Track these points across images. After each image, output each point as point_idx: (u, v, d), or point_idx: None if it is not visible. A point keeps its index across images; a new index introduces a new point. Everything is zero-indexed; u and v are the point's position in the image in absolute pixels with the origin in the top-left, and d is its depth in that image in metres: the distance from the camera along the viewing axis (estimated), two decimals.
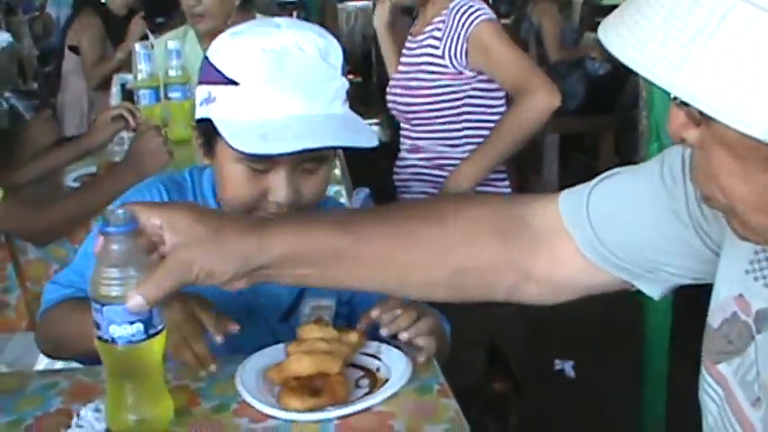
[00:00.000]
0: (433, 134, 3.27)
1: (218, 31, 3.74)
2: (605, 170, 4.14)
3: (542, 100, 2.97)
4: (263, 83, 1.60)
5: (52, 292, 1.79)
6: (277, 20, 1.70)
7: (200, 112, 1.69)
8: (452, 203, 1.41)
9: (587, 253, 1.30)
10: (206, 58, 1.69)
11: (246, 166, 1.66)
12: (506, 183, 3.32)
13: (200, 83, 1.70)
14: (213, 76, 1.65)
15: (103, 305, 1.23)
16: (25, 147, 3.25)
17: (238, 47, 1.64)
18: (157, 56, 3.93)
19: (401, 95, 3.32)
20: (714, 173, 0.96)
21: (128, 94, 4.39)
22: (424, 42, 3.25)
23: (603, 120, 6.28)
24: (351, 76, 10.29)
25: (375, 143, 1.65)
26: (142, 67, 3.41)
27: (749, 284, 1.12)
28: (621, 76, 6.30)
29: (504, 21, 7.79)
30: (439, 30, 3.19)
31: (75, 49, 6.12)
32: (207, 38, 3.96)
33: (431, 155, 3.29)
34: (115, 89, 5.60)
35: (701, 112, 0.88)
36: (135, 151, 2.75)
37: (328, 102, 1.64)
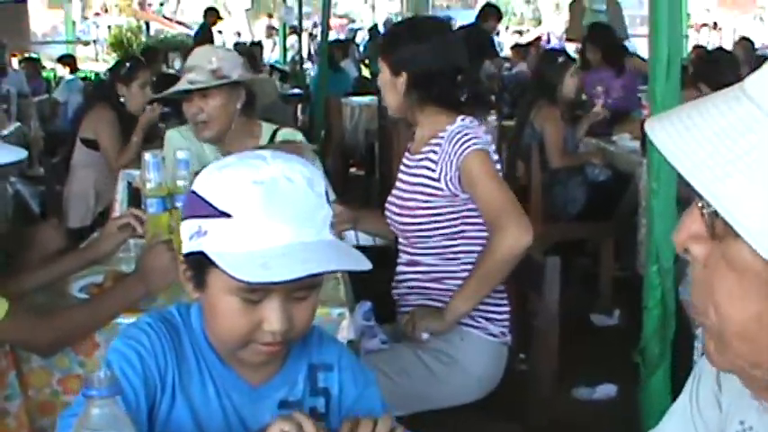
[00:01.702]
0: (430, 250, 3.34)
1: (224, 138, 3.86)
2: (606, 276, 4.22)
3: (511, 238, 3.07)
4: (256, 214, 1.62)
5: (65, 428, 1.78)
6: (261, 152, 1.74)
7: (190, 246, 1.70)
8: None
9: None
10: (193, 191, 1.71)
11: (240, 297, 1.68)
12: (505, 302, 3.37)
13: (188, 217, 1.72)
14: (203, 209, 1.67)
15: None
16: (32, 252, 3.27)
17: (228, 179, 1.66)
18: (168, 142, 4.02)
19: (398, 214, 3.39)
20: (713, 290, 1.00)
21: (133, 192, 4.43)
22: (421, 163, 3.33)
23: (603, 226, 6.32)
24: (354, 170, 10.43)
25: (369, 266, 1.68)
26: (151, 177, 3.44)
27: None
28: (622, 183, 6.36)
29: (507, 122, 7.88)
30: (435, 153, 3.27)
31: (87, 142, 6.18)
32: (214, 143, 4.05)
33: (428, 269, 3.35)
34: (121, 185, 5.67)
35: (723, 228, 0.92)
36: (144, 265, 2.78)
37: (319, 229, 1.67)
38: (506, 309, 3.39)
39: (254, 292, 1.66)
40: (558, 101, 6.46)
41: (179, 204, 3.48)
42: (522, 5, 46.54)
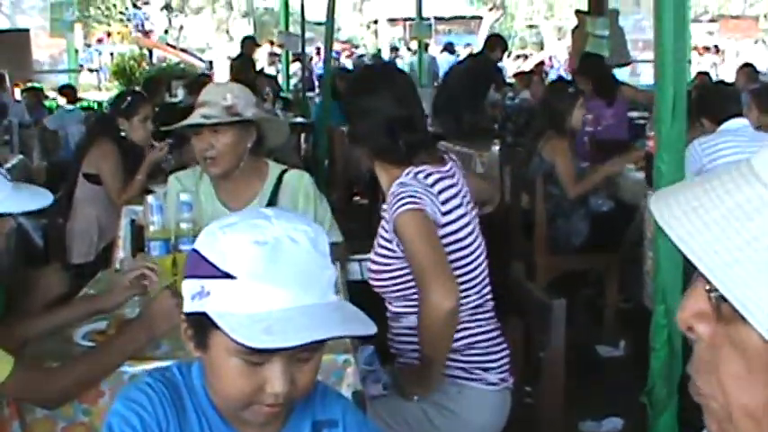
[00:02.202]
0: (407, 308, 3.30)
1: (231, 175, 3.84)
2: (611, 307, 4.22)
3: (433, 304, 3.01)
4: (260, 276, 1.61)
5: None
6: (265, 210, 1.73)
7: (192, 306, 1.69)
8: None
9: None
10: (195, 251, 1.70)
11: (242, 359, 1.66)
12: (502, 346, 3.35)
13: (190, 277, 1.71)
14: (206, 270, 1.66)
15: None
16: (35, 296, 3.26)
17: (231, 241, 1.65)
18: (170, 190, 4.00)
19: (371, 277, 3.37)
20: (718, 371, 0.98)
21: (139, 231, 4.42)
22: (381, 224, 3.30)
23: (608, 257, 6.31)
24: (357, 198, 10.42)
25: (374, 330, 1.67)
26: (154, 219, 3.45)
27: None
28: (626, 214, 6.34)
29: (517, 148, 7.88)
30: (387, 212, 3.23)
31: (90, 177, 6.17)
32: (220, 180, 4.02)
33: (410, 323, 3.29)
34: (124, 222, 5.67)
35: (731, 312, 0.91)
36: (148, 312, 2.76)
37: (323, 292, 1.66)
38: (504, 353, 3.34)
39: (257, 355, 1.65)
40: (566, 132, 6.45)
41: (183, 247, 3.47)
42: (524, 30, 46.68)
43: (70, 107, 12.70)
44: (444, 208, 3.21)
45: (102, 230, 6.15)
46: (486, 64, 9.96)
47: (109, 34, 36.67)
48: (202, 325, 1.68)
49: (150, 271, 3.06)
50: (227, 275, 1.62)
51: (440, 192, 3.22)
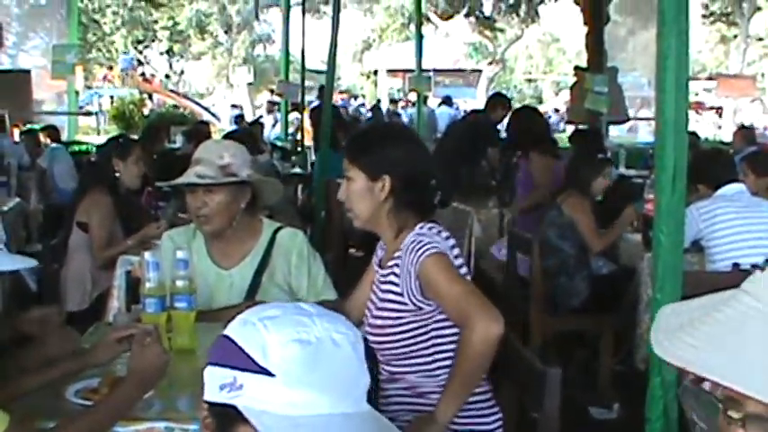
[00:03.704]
0: (409, 367, 3.26)
1: (224, 233, 3.83)
2: (605, 369, 4.19)
3: (481, 332, 2.97)
4: (300, 379, 1.55)
5: None
6: (305, 306, 1.68)
7: (220, 397, 1.60)
8: None
9: None
10: (229, 338, 1.62)
11: None
12: (491, 402, 3.32)
13: (220, 365, 1.62)
14: (241, 361, 1.58)
15: None
16: (39, 352, 3.25)
17: (272, 335, 1.59)
18: (164, 250, 3.97)
19: (371, 333, 3.30)
20: None
21: (134, 283, 4.41)
22: (387, 278, 3.26)
23: (604, 319, 6.29)
24: (353, 251, 10.41)
25: None
26: (150, 276, 3.44)
27: None
28: (625, 277, 6.34)
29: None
30: (398, 266, 3.20)
31: (82, 226, 6.16)
32: (213, 239, 4.01)
33: (409, 384, 3.27)
34: (119, 272, 5.64)
35: None
36: (138, 369, 2.74)
37: (359, 400, 1.60)
38: (497, 416, 3.33)
39: None
40: (588, 194, 6.48)
41: (177, 305, 3.46)
42: (523, 83, 47.00)
43: (55, 146, 12.70)
44: (456, 263, 3.21)
45: (95, 279, 6.13)
46: (487, 124, 9.97)
47: (106, 78, 36.86)
48: (229, 417, 1.60)
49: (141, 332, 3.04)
50: (266, 372, 1.56)
51: (452, 247, 3.25)
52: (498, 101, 10.72)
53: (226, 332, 1.65)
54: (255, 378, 1.56)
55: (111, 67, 38.19)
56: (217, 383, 1.61)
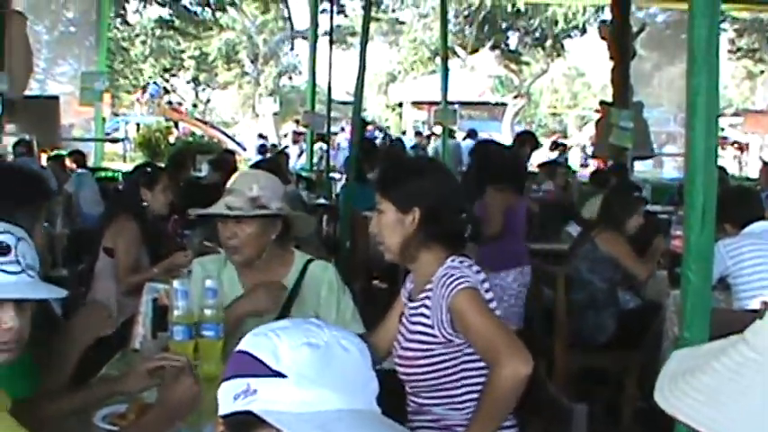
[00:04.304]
0: (436, 399, 3.26)
1: (254, 264, 3.83)
2: (628, 406, 4.15)
3: (510, 372, 2.95)
4: (312, 378, 1.59)
5: None
6: (314, 320, 1.71)
7: (234, 406, 1.63)
8: None
9: None
10: (241, 351, 1.67)
11: None
12: None
13: (233, 377, 1.66)
14: (254, 368, 1.62)
15: None
16: (75, 342, 3.27)
17: (284, 340, 1.63)
18: (194, 277, 3.98)
19: (400, 364, 3.31)
20: None
21: (160, 310, 4.42)
22: (418, 311, 3.26)
23: (628, 356, 6.27)
24: (377, 282, 10.40)
25: None
26: (179, 304, 3.46)
27: None
28: (651, 312, 6.32)
29: (535, 245, 7.84)
30: (429, 299, 3.21)
31: (109, 251, 6.18)
32: (244, 268, 4.01)
33: (436, 417, 3.27)
34: (145, 298, 5.64)
35: None
36: (170, 399, 2.75)
37: (369, 400, 1.64)
38: None
39: None
40: (622, 232, 6.50)
41: (205, 333, 3.47)
42: (547, 117, 47.01)
43: (81, 171, 12.79)
44: (486, 297, 3.21)
45: (121, 305, 6.13)
46: (514, 161, 9.97)
47: (138, 100, 37.07)
48: (245, 425, 1.62)
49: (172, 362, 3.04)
50: (278, 374, 1.60)
51: (482, 281, 3.24)
52: (526, 137, 10.77)
53: (238, 347, 1.69)
54: (268, 381, 1.60)
55: (144, 88, 38.40)
56: (231, 395, 1.65)
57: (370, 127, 30.84)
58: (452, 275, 3.14)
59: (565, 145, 24.64)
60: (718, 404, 1.06)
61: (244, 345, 1.68)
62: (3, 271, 2.36)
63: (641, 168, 18.53)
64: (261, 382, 1.61)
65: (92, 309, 3.49)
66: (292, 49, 39.83)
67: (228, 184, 3.95)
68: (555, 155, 21.23)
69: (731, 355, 1.06)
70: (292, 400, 1.58)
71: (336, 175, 16.20)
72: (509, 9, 36.74)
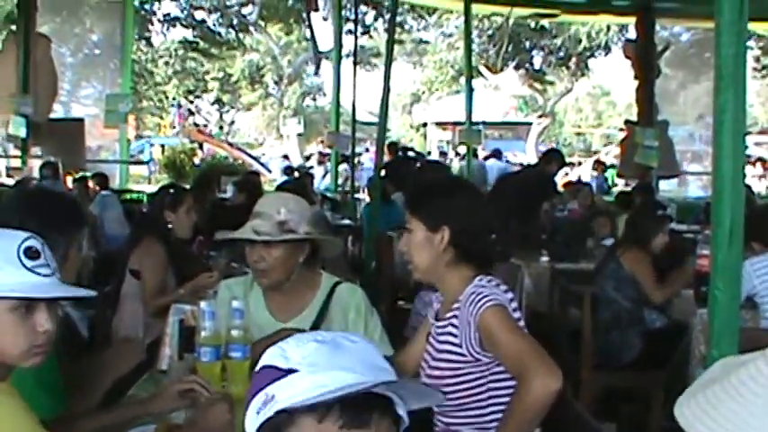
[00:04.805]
0: (464, 419, 3.25)
1: (282, 287, 3.82)
2: (654, 426, 4.12)
3: (539, 387, 2.93)
4: (322, 365, 1.61)
5: None
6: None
7: (260, 419, 1.65)
8: None
9: None
10: (257, 370, 1.70)
11: None
12: None
13: (254, 394, 1.67)
14: (268, 376, 1.65)
15: None
16: (106, 375, 3.29)
17: (290, 343, 1.68)
18: (220, 299, 3.97)
19: (426, 384, 3.29)
20: None
21: (187, 332, 4.44)
22: (446, 329, 3.26)
23: (654, 375, 6.23)
24: (402, 303, 10.38)
25: (443, 400, 1.75)
26: (206, 325, 3.46)
27: None
28: (677, 332, 6.29)
29: (560, 265, 7.83)
30: (456, 318, 3.21)
31: (135, 273, 6.19)
32: (271, 291, 4.00)
33: None
34: (172, 320, 5.65)
35: None
36: (202, 422, 2.76)
37: (390, 377, 1.66)
38: None
39: None
40: (648, 250, 6.48)
41: (232, 354, 3.47)
42: (572, 136, 46.93)
43: (105, 193, 12.85)
44: (515, 315, 3.20)
45: (147, 326, 6.14)
46: (542, 177, 10.00)
47: (160, 127, 37.24)
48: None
49: (201, 387, 3.04)
50: (290, 371, 1.62)
51: (510, 300, 3.23)
52: (553, 156, 10.81)
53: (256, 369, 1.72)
54: (282, 382, 1.63)
55: (180, 109, 38.60)
56: (254, 411, 1.67)
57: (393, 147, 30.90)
58: (480, 293, 3.14)
59: (572, 163, 24.71)
60: (724, 419, 1.05)
61: (258, 364, 1.71)
62: (37, 273, 2.41)
63: (666, 187, 18.45)
64: (276, 385, 1.63)
65: (124, 343, 3.51)
66: (317, 72, 39.88)
67: (256, 207, 3.94)
68: (595, 174, 21.38)
69: (746, 370, 1.04)
70: (307, 387, 1.60)
71: (361, 196, 16.20)
72: (532, 26, 36.69)
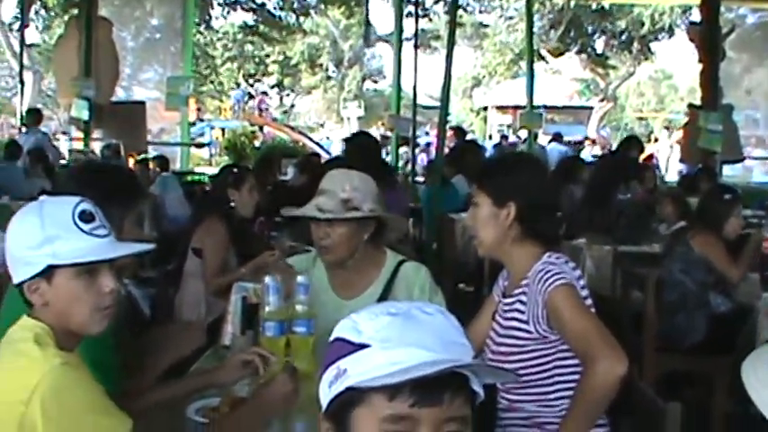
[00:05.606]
0: (529, 396, 3.23)
1: (346, 264, 3.81)
2: (719, 412, 4.08)
3: (604, 370, 2.92)
4: (394, 341, 1.59)
5: None
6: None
7: (332, 392, 1.65)
8: None
9: None
10: (330, 342, 1.69)
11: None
12: None
13: (327, 367, 1.67)
14: (340, 350, 1.64)
15: None
16: (166, 355, 3.31)
17: (362, 315, 1.66)
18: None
19: (493, 360, 3.27)
20: None
21: (249, 309, 4.45)
22: (513, 306, 3.25)
23: (720, 360, 6.15)
24: (463, 285, 10.36)
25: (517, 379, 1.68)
26: (270, 300, 3.46)
27: None
28: (742, 315, 6.22)
29: (623, 247, 7.76)
30: (525, 294, 3.19)
31: (198, 252, 6.22)
32: (335, 268, 3.99)
33: (528, 414, 3.24)
34: (234, 297, 5.66)
35: None
36: (265, 394, 2.76)
37: (463, 355, 1.63)
38: None
39: (402, 421, 1.59)
40: (720, 234, 6.41)
41: (297, 329, 3.47)
42: (634, 121, 46.51)
43: (165, 174, 12.95)
44: (583, 294, 3.18)
45: (209, 306, 6.17)
46: (624, 160, 10.15)
47: (220, 111, 37.40)
48: (343, 407, 1.64)
49: (262, 359, 3.04)
50: (362, 346, 1.61)
51: (579, 278, 3.22)
52: (633, 142, 11.02)
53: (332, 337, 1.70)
54: (355, 356, 1.61)
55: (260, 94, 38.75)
56: (326, 384, 1.67)
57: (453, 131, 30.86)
58: (550, 271, 3.12)
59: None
60: None
61: (331, 336, 1.70)
62: (95, 235, 2.43)
63: (730, 172, 18.24)
64: (348, 359, 1.62)
65: (186, 325, 3.52)
66: (366, 47, 39.67)
67: (321, 185, 3.93)
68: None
69: None
70: (380, 363, 1.58)
71: (421, 179, 16.19)
72: (594, 8, 36.34)
